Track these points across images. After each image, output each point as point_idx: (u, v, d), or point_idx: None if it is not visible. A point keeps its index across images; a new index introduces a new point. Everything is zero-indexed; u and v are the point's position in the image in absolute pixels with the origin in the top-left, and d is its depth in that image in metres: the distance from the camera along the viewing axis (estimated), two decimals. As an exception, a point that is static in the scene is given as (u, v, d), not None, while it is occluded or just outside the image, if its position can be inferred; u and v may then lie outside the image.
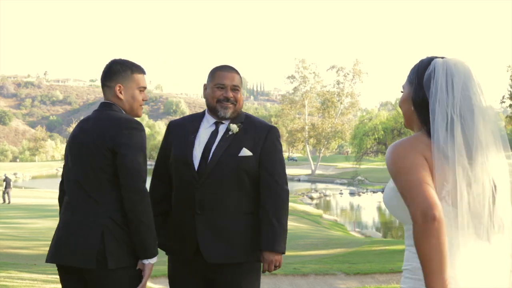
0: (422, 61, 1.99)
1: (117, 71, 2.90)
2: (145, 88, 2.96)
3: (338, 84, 59.46)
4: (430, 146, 1.85)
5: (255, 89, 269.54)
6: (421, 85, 1.92)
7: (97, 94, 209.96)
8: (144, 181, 2.73)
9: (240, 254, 2.96)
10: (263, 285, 7.63)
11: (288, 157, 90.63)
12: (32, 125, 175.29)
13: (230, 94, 3.02)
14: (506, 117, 24.16)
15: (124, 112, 2.89)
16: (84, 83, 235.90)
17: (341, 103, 59.37)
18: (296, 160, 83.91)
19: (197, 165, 2.98)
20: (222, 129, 3.05)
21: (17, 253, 11.02)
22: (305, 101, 60.92)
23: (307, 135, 61.41)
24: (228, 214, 2.97)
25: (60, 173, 3.90)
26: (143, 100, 2.96)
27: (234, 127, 3.02)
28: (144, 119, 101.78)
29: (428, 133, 1.89)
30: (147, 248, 2.69)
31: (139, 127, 2.79)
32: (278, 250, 2.94)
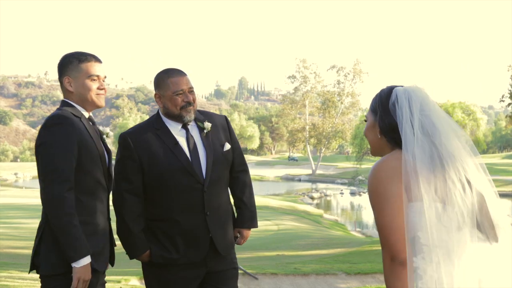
0: (383, 91, 2.12)
1: (65, 64, 2.80)
2: (98, 76, 2.80)
3: (338, 84, 59.50)
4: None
5: (255, 89, 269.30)
6: (387, 112, 2.05)
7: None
8: (65, 180, 2.58)
9: (234, 238, 3.28)
10: (264, 285, 7.67)
11: (289, 157, 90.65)
12: (33, 125, 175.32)
13: (191, 98, 3.07)
14: (506, 116, 24.10)
15: (76, 106, 2.76)
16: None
17: (341, 103, 59.38)
18: (296, 160, 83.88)
19: (198, 171, 3.04)
20: (193, 129, 3.14)
21: (17, 253, 11.02)
22: (306, 101, 60.93)
23: (307, 135, 61.44)
24: (225, 207, 3.19)
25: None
26: (99, 88, 2.80)
27: (208, 125, 3.15)
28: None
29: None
30: (64, 250, 2.58)
31: (64, 122, 2.64)
32: (256, 226, 3.36)
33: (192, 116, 3.08)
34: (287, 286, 7.74)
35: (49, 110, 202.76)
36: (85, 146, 2.68)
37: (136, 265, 9.65)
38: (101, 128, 2.94)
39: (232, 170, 3.27)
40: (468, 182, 1.93)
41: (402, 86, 2.10)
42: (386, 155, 2.02)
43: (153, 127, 3.11)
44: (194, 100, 3.09)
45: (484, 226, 1.93)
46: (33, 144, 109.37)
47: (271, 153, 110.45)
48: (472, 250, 1.89)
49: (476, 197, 1.93)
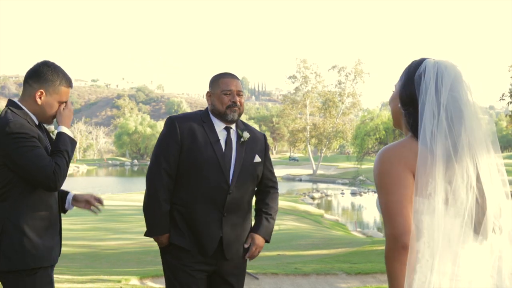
0: (414, 61, 2.02)
1: (45, 75, 2.83)
2: (65, 103, 2.91)
3: (339, 84, 59.46)
4: (417, 152, 1.87)
5: (256, 89, 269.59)
6: (410, 82, 1.96)
7: (98, 94, 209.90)
8: None
9: (246, 249, 3.30)
10: (265, 284, 7.67)
11: (290, 157, 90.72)
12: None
13: (237, 99, 3.23)
14: (507, 116, 24.07)
15: (30, 114, 2.82)
16: (85, 83, 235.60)
17: (342, 103, 59.36)
18: (297, 160, 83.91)
19: (228, 171, 3.16)
20: (233, 134, 3.28)
21: None
22: (307, 101, 60.91)
23: (308, 135, 61.41)
24: (243, 215, 3.27)
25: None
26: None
27: (247, 135, 3.29)
28: (146, 119, 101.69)
29: (416, 137, 1.91)
30: None
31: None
32: (269, 240, 3.38)
33: (236, 116, 3.24)
34: (288, 286, 7.74)
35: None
36: (40, 142, 2.77)
37: (137, 265, 9.69)
38: (47, 126, 3.03)
39: (262, 184, 3.40)
40: (478, 179, 1.86)
41: (434, 59, 1.98)
42: (394, 143, 1.94)
43: (200, 119, 3.25)
44: (241, 104, 3.25)
45: (480, 224, 1.88)
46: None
47: (272, 153, 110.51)
48: (471, 249, 1.87)
49: (475, 195, 1.86)
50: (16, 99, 2.88)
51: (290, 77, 61.65)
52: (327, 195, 41.17)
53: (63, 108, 2.91)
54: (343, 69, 58.96)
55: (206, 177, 3.12)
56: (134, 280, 7.38)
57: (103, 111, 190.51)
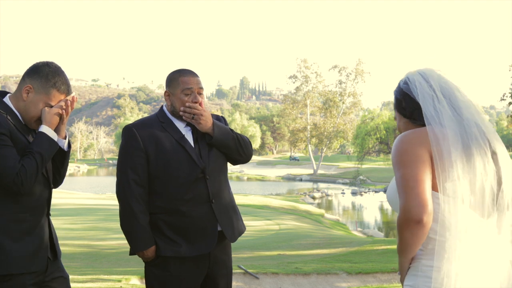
0: (398, 85, 2.14)
1: (41, 73, 2.67)
2: (51, 106, 2.69)
3: (340, 83, 59.51)
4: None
5: (257, 88, 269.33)
6: (402, 93, 2.08)
7: (99, 94, 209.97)
8: None
9: (242, 225, 3.30)
10: (265, 284, 7.67)
11: (290, 156, 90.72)
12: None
13: (199, 98, 3.09)
14: (508, 116, 24.06)
15: (14, 111, 2.67)
16: (86, 82, 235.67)
17: (343, 102, 59.41)
18: (298, 160, 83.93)
19: (204, 161, 3.07)
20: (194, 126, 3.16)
21: None
22: (307, 101, 60.96)
23: (309, 135, 61.46)
24: (228, 195, 3.23)
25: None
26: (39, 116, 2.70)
27: None
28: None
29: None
30: None
31: None
32: (213, 133, 3.17)
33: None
34: (288, 286, 7.74)
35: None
36: (14, 140, 2.60)
37: (137, 264, 9.70)
38: None
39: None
40: (494, 155, 1.93)
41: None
42: (413, 130, 2.00)
43: (158, 120, 3.13)
44: (201, 104, 3.09)
45: (492, 208, 1.93)
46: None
47: (273, 153, 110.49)
48: (492, 235, 1.91)
49: (492, 180, 1.92)
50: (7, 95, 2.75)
51: (290, 77, 61.73)
52: (327, 195, 41.15)
53: (52, 107, 2.70)
54: (344, 69, 59.01)
55: (182, 175, 3.01)
56: (134, 280, 7.38)
57: (103, 111, 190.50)
